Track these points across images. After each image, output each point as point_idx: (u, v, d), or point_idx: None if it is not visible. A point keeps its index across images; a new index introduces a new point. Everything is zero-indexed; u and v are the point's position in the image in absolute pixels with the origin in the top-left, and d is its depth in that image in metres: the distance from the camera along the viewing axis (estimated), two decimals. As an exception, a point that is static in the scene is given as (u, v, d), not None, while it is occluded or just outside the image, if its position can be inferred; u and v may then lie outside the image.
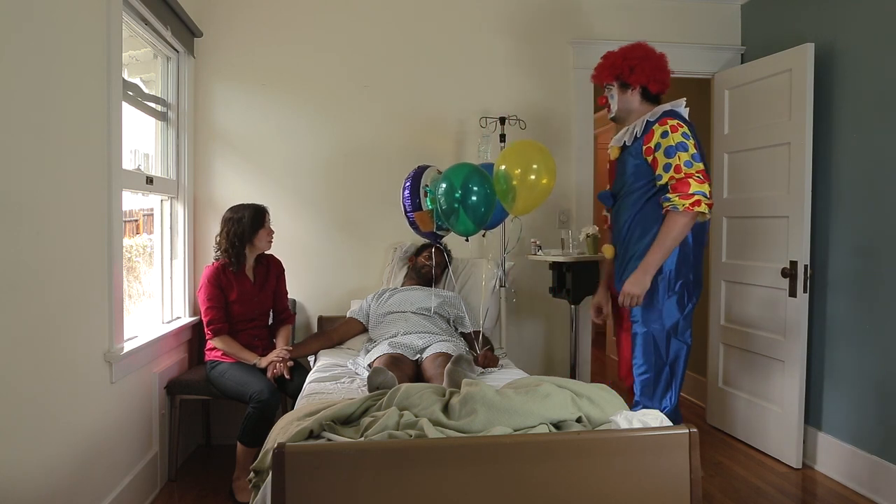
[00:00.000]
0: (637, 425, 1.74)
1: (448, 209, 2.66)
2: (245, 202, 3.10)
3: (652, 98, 2.64)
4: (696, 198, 2.35)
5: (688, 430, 1.60)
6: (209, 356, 3.07)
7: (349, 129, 3.63)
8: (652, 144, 2.46)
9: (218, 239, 3.06)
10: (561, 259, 3.25)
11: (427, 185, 2.83)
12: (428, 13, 3.67)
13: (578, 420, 1.82)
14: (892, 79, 2.78)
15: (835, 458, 3.09)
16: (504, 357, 3.18)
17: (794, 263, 3.18)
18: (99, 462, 2.35)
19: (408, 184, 2.87)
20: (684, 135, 2.42)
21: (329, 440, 1.70)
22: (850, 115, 3.02)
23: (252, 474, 1.71)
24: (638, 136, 2.53)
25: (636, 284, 2.46)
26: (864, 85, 2.94)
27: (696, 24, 3.84)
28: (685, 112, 2.60)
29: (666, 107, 2.56)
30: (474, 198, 2.63)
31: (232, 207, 3.08)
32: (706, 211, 2.40)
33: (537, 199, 2.74)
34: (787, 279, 3.21)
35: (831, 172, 3.13)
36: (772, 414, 3.34)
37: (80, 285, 2.21)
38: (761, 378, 3.44)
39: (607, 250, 2.75)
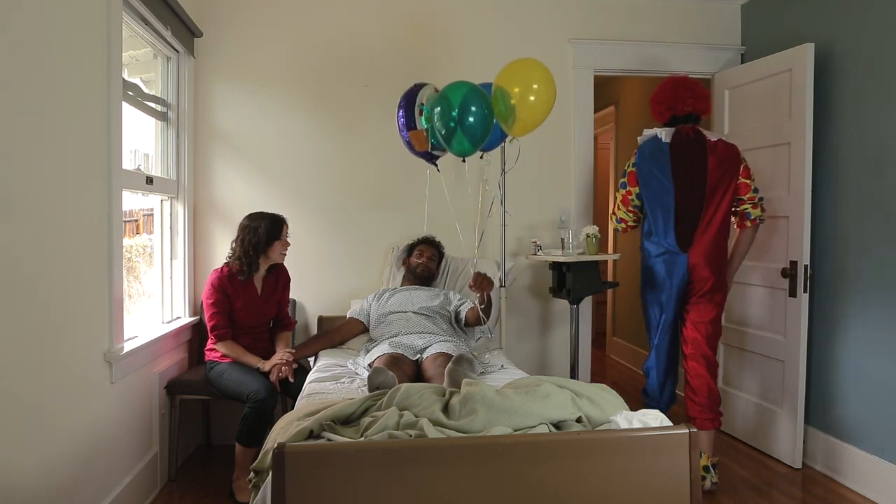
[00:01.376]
0: (637, 425, 1.74)
1: (445, 130, 2.57)
2: (265, 210, 3.08)
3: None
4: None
5: (688, 430, 1.60)
6: (208, 356, 3.07)
7: (349, 129, 3.63)
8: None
9: (234, 245, 3.04)
10: (561, 259, 3.25)
11: (423, 104, 2.76)
12: (428, 13, 3.67)
13: (578, 420, 1.82)
14: (892, 78, 2.78)
15: (835, 458, 3.09)
16: (502, 355, 3.18)
17: (794, 263, 3.18)
18: (99, 462, 2.35)
19: (403, 102, 2.81)
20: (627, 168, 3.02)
21: (329, 440, 1.70)
22: (850, 115, 3.02)
23: (252, 474, 1.71)
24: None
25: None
26: (864, 85, 2.94)
27: (696, 24, 3.84)
28: (659, 135, 3.03)
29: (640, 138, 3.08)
30: (472, 119, 2.53)
31: (250, 215, 3.05)
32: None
33: (537, 120, 2.65)
34: (787, 279, 3.21)
35: (831, 172, 3.13)
36: (772, 414, 3.34)
37: (80, 285, 2.21)
38: (761, 378, 3.44)
39: None
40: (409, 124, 2.79)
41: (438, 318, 3.08)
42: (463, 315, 3.15)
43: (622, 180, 3.07)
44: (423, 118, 2.74)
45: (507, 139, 2.86)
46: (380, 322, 3.11)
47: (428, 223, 3.31)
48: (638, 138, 3.12)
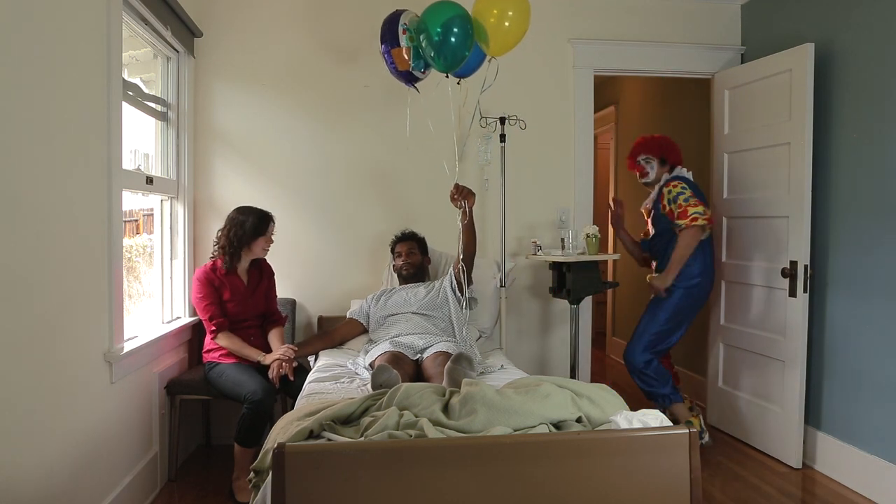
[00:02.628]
0: (637, 425, 1.74)
1: (428, 45, 2.67)
2: (254, 206, 3.10)
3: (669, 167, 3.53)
4: (692, 216, 3.24)
5: (688, 430, 1.61)
6: (206, 358, 3.07)
7: (349, 129, 3.62)
8: (665, 201, 3.38)
9: (219, 234, 3.07)
10: (561, 259, 3.25)
11: (406, 24, 2.82)
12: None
13: (578, 420, 1.82)
14: (892, 79, 2.78)
15: (835, 458, 3.09)
16: (502, 355, 3.18)
17: (794, 263, 3.18)
18: (99, 462, 2.35)
19: (385, 27, 2.88)
20: (683, 188, 3.33)
21: (329, 440, 1.70)
22: (850, 115, 3.02)
23: (252, 474, 1.71)
24: (655, 197, 3.50)
25: (660, 281, 3.35)
26: (864, 85, 2.94)
27: (696, 24, 3.84)
28: (687, 174, 3.47)
29: (670, 175, 3.48)
30: (454, 38, 2.63)
31: (239, 208, 3.08)
32: (703, 224, 3.26)
33: (516, 39, 2.74)
34: (787, 279, 3.21)
35: (831, 172, 3.13)
36: (772, 414, 3.34)
37: (80, 285, 2.21)
38: (761, 378, 3.44)
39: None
40: (393, 44, 2.87)
41: (438, 318, 3.07)
42: (451, 271, 3.13)
43: (686, 195, 3.32)
44: (405, 37, 2.82)
45: (487, 59, 2.91)
46: (380, 325, 3.11)
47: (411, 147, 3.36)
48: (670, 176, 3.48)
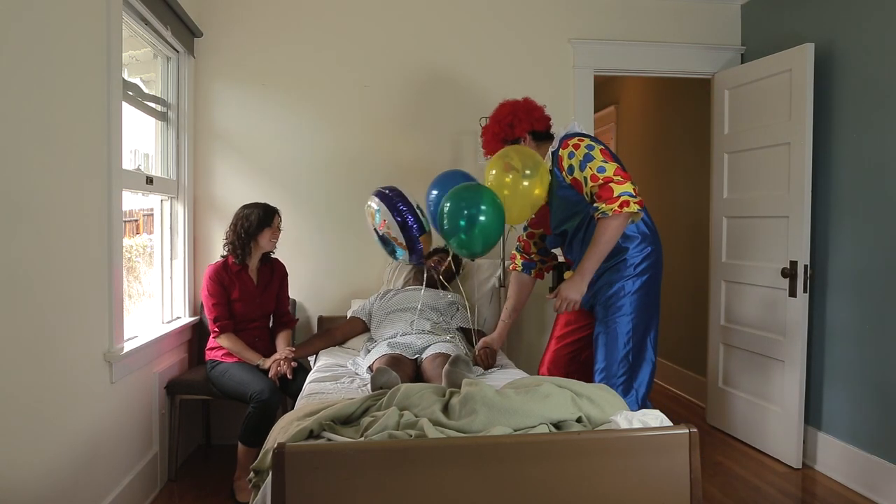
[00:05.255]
0: (637, 425, 1.74)
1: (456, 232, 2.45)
2: (259, 201, 3.12)
3: (544, 137, 2.62)
4: (622, 199, 2.27)
5: (688, 430, 1.60)
6: (209, 355, 3.07)
7: (349, 129, 3.62)
8: (565, 168, 2.42)
9: (227, 231, 3.09)
10: (561, 259, 3.24)
11: (419, 206, 2.74)
12: (428, 14, 3.67)
13: (578, 420, 1.82)
14: (892, 79, 2.78)
15: (835, 458, 3.09)
16: (502, 355, 3.18)
17: (794, 263, 3.17)
18: (99, 462, 2.35)
19: (402, 208, 2.68)
20: (587, 146, 2.39)
21: (329, 440, 1.69)
22: (850, 115, 3.02)
23: (252, 474, 1.71)
24: (550, 168, 2.49)
25: (573, 290, 2.38)
26: (864, 85, 2.94)
27: (696, 24, 3.84)
28: (579, 128, 2.59)
29: (560, 133, 2.55)
30: (483, 217, 2.38)
31: (245, 205, 3.10)
32: (636, 209, 2.29)
33: (535, 205, 2.51)
34: (787, 279, 3.21)
35: (831, 172, 3.13)
36: (772, 414, 3.34)
37: (80, 285, 2.21)
38: (761, 378, 3.43)
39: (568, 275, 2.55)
40: (419, 230, 2.70)
41: (439, 319, 3.07)
42: (464, 315, 3.15)
43: (600, 159, 2.37)
44: (425, 220, 2.71)
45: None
46: (381, 321, 3.11)
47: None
48: (559, 136, 2.56)
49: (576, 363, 2.68)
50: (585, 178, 2.35)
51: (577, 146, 2.39)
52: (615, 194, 2.27)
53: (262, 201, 3.12)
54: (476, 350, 2.89)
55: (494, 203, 2.41)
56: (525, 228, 2.87)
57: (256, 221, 3.03)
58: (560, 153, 2.44)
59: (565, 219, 2.52)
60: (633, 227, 2.46)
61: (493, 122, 2.62)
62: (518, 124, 2.57)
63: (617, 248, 2.42)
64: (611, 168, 2.33)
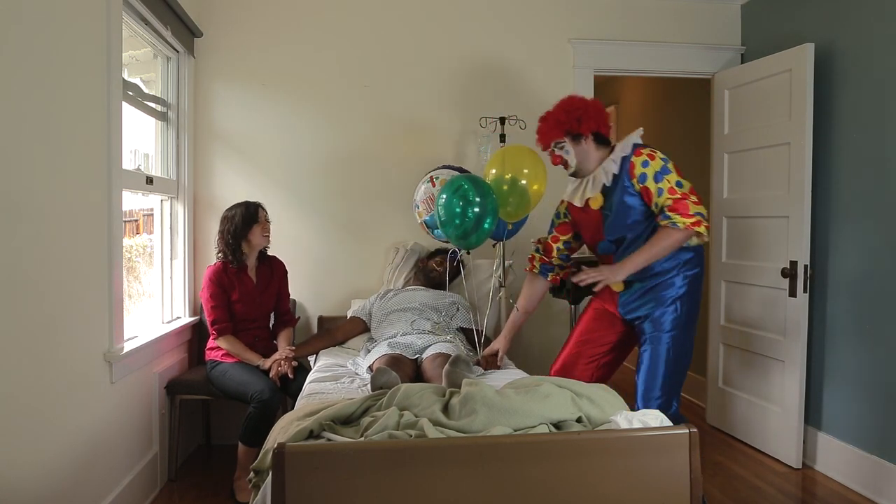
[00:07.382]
0: (637, 425, 1.74)
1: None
2: (240, 201, 3.10)
3: (604, 141, 2.58)
4: (696, 218, 2.33)
5: (688, 430, 1.60)
6: (209, 356, 3.07)
7: (349, 129, 3.62)
8: (637, 175, 2.42)
9: (216, 241, 3.08)
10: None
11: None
12: (428, 15, 3.67)
13: (578, 420, 1.82)
14: (892, 79, 2.78)
15: (835, 458, 3.09)
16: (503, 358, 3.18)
17: (794, 263, 3.17)
18: (99, 462, 2.35)
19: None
20: (662, 158, 2.42)
21: (329, 440, 1.70)
22: (850, 115, 3.02)
23: (252, 474, 1.71)
24: (616, 173, 2.47)
25: (615, 273, 2.40)
26: (864, 85, 2.94)
27: (696, 24, 3.84)
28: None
29: (631, 139, 2.53)
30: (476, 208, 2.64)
31: (227, 208, 3.09)
32: (704, 232, 2.36)
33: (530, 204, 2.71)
34: (787, 279, 3.21)
35: (831, 172, 3.13)
36: (772, 414, 3.34)
37: (80, 285, 2.21)
38: (761, 378, 3.43)
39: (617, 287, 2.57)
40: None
41: (440, 319, 3.07)
42: (463, 325, 3.17)
43: (677, 176, 2.40)
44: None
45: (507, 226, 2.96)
46: (382, 321, 3.11)
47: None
48: (629, 142, 2.54)
49: (591, 368, 2.72)
50: (660, 189, 2.37)
51: (651, 156, 2.42)
52: (691, 211, 2.33)
53: (266, 208, 3.11)
54: (481, 356, 2.88)
55: (483, 188, 2.61)
56: (550, 231, 2.84)
57: (241, 221, 3.01)
58: (633, 160, 2.43)
59: (626, 226, 2.49)
60: (693, 250, 2.49)
61: (561, 110, 2.56)
62: (587, 120, 2.52)
63: (672, 267, 2.47)
64: (687, 185, 2.40)
